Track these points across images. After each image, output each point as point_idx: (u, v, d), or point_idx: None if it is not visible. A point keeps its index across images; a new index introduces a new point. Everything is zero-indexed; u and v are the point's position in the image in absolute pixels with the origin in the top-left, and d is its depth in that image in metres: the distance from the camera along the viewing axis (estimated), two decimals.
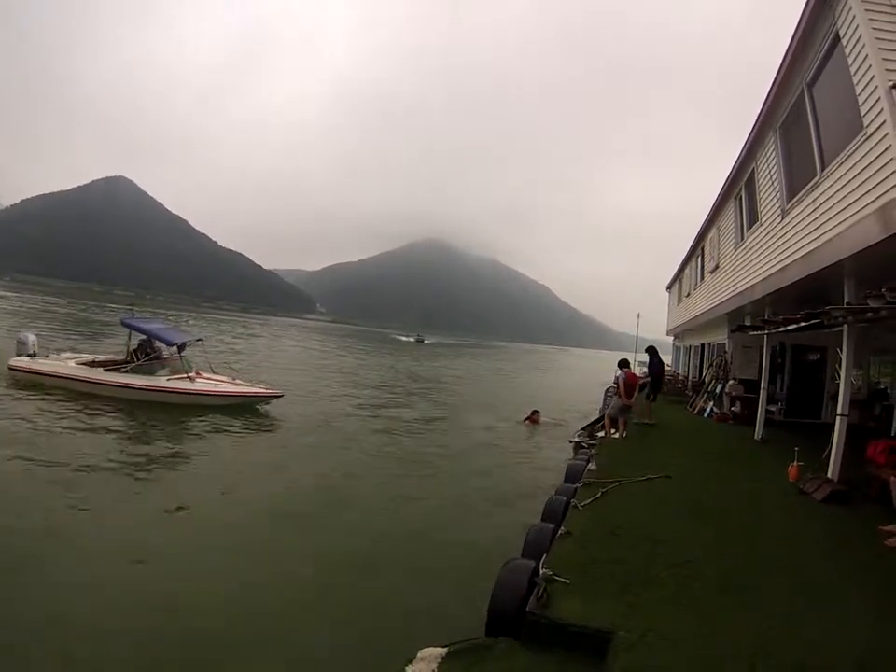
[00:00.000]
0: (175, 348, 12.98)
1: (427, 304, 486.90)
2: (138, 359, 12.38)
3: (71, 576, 4.53)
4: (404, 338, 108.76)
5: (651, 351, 12.91)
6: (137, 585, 4.56)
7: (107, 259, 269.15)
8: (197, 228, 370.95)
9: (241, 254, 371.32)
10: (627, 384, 10.12)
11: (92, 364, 12.79)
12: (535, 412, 14.91)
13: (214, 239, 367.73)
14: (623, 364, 10.66)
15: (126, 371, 12.10)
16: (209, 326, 52.38)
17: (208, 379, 12.70)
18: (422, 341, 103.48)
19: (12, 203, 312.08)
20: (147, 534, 5.60)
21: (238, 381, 13.15)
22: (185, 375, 12.22)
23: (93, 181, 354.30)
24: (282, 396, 13.04)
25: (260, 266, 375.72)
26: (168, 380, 12.12)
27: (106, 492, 6.80)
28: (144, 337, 12.96)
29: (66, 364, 12.53)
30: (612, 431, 10.21)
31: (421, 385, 24.02)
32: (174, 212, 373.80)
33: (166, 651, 3.76)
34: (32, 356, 12.68)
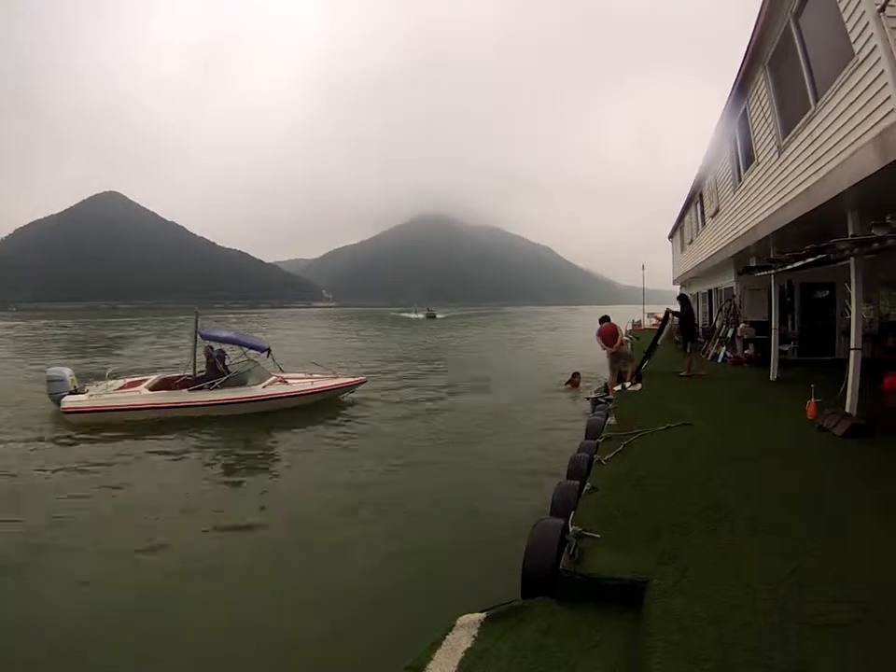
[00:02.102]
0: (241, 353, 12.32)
1: (432, 278, 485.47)
2: (218, 372, 11.48)
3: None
4: (413, 315, 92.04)
5: (681, 299, 13.28)
6: None
7: (109, 276, 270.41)
8: (194, 232, 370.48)
9: (241, 251, 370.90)
10: (601, 335, 11.08)
11: (170, 386, 11.47)
12: (575, 374, 14.86)
13: (212, 240, 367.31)
14: (602, 320, 11.44)
15: (216, 387, 11.14)
16: (239, 328, 52.55)
17: (297, 378, 12.37)
18: (433, 316, 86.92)
19: (5, 235, 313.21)
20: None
21: (315, 375, 12.84)
22: (279, 379, 11.92)
23: (83, 200, 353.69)
24: (365, 382, 13.36)
25: (261, 261, 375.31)
26: (264, 387, 11.54)
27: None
28: (217, 348, 11.97)
29: (140, 392, 11.01)
30: (618, 386, 10.49)
31: (449, 358, 24.54)
32: (168, 219, 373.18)
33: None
34: (75, 392, 10.99)
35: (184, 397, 10.97)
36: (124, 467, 8.10)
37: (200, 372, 11.78)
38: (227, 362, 11.93)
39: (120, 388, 11.30)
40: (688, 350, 12.03)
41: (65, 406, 10.50)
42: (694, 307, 23.80)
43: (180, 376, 11.96)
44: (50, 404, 11.20)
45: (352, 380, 12.99)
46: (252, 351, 12.12)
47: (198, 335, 11.71)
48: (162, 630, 3.98)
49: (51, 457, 8.55)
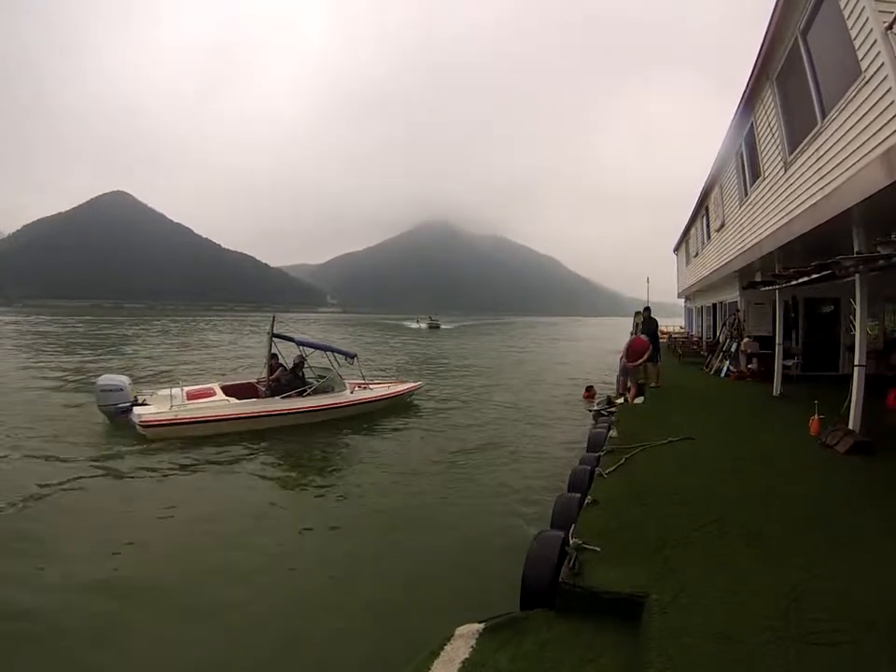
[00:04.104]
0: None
1: (436, 286, 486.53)
2: (299, 378, 11.27)
3: None
4: (414, 325, 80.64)
5: (646, 311, 13.25)
6: None
7: (115, 275, 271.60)
8: (200, 233, 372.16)
9: (246, 254, 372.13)
10: (630, 347, 10.80)
11: (244, 393, 10.86)
12: (589, 387, 14.94)
13: (217, 243, 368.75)
14: (643, 331, 11.38)
15: (309, 394, 10.91)
16: (238, 329, 52.42)
17: (376, 384, 12.88)
18: (437, 326, 76.09)
19: (13, 231, 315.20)
20: None
21: (377, 381, 13.35)
22: (358, 384, 12.25)
23: (91, 199, 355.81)
24: (422, 386, 14.50)
25: (267, 265, 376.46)
26: (352, 392, 11.66)
27: None
28: (297, 354, 11.64)
29: (229, 402, 10.22)
30: (620, 399, 10.69)
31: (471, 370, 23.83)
32: (175, 220, 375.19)
33: None
34: (136, 402, 9.98)
35: (277, 404, 10.47)
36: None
37: (264, 378, 11.43)
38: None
39: (193, 398, 10.21)
40: (656, 361, 12.18)
41: (145, 419, 9.26)
42: (699, 321, 23.86)
43: (247, 383, 11.52)
44: (100, 415, 10.14)
45: (413, 385, 13.88)
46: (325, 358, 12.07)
47: (295, 343, 11.38)
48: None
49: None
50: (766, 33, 7.69)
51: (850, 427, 6.42)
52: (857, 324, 6.92)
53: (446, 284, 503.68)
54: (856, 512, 4.22)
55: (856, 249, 6.49)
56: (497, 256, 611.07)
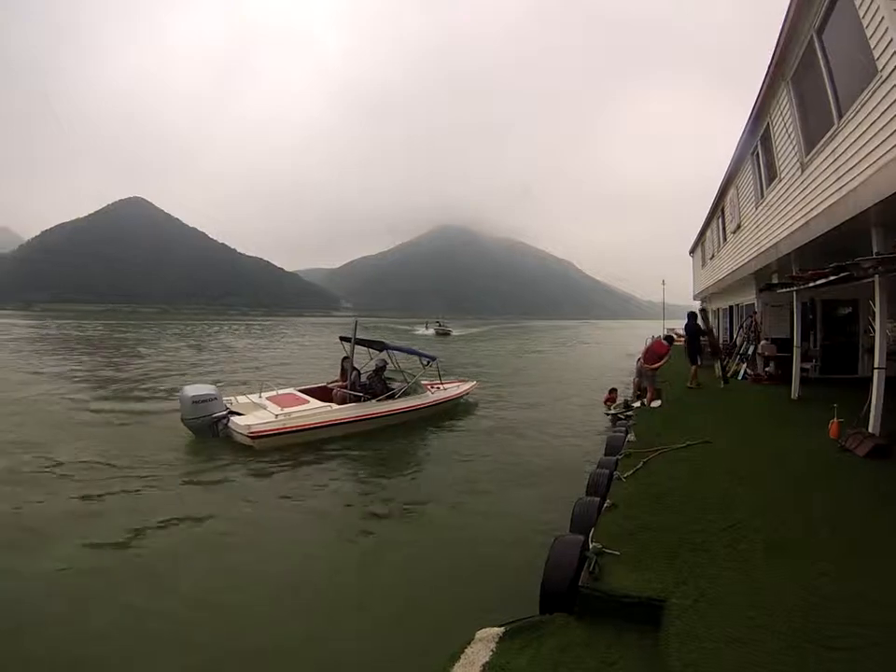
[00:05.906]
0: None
1: (450, 290, 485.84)
2: (382, 381, 11.53)
3: None
4: (422, 331, 70.86)
5: (688, 315, 13.62)
6: None
7: (131, 280, 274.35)
8: (215, 238, 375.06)
9: (261, 259, 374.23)
10: (650, 348, 11.13)
11: (331, 397, 10.86)
12: (612, 390, 14.81)
13: (233, 247, 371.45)
14: (668, 337, 11.73)
15: (399, 396, 11.22)
16: (260, 334, 52.53)
17: (449, 384, 13.56)
18: (447, 333, 63.83)
19: (32, 237, 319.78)
20: None
21: (443, 381, 13.75)
22: (438, 386, 13.02)
23: (108, 205, 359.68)
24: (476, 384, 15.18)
25: (282, 269, 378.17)
26: (433, 393, 12.42)
27: None
28: (378, 358, 11.96)
29: (332, 408, 10.18)
30: (637, 402, 10.91)
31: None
32: (191, 225, 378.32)
33: None
34: (230, 412, 9.76)
35: (374, 407, 10.67)
36: None
37: (334, 382, 11.88)
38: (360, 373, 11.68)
39: (282, 404, 10.03)
40: (699, 363, 12.46)
41: (254, 430, 8.96)
42: (715, 323, 23.66)
43: (322, 386, 11.65)
44: (183, 430, 9.59)
45: (473, 383, 14.82)
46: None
47: (383, 347, 11.83)
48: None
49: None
50: (781, 32, 7.64)
51: (870, 430, 6.34)
52: (876, 325, 6.83)
53: (461, 287, 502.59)
54: (875, 516, 4.18)
55: (875, 250, 6.42)
56: (513, 259, 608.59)
